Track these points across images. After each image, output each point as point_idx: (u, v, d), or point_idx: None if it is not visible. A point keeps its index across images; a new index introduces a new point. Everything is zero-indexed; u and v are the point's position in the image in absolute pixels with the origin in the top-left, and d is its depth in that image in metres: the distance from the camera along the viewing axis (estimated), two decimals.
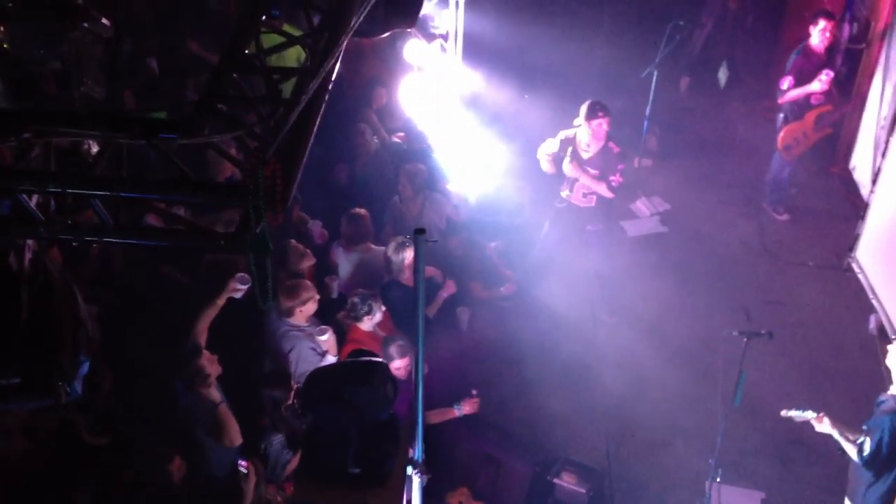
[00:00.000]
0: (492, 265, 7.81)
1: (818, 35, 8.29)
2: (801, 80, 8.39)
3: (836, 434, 5.49)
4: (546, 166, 7.57)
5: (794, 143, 8.67)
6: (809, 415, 5.53)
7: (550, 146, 7.50)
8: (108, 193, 2.92)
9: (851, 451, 5.44)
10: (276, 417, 5.80)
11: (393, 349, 5.95)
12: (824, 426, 5.50)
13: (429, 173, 7.77)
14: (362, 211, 7.26)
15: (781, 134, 8.68)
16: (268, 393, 5.79)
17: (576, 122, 7.40)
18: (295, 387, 5.83)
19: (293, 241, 6.87)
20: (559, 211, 7.76)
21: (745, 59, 10.64)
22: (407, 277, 6.70)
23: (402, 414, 5.02)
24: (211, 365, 5.51)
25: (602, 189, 7.42)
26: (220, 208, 6.21)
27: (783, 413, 5.66)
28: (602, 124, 7.21)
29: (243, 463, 5.24)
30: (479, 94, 8.51)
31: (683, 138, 10.11)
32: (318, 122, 3.20)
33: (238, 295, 5.82)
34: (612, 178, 7.41)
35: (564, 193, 7.60)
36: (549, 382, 7.28)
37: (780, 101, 8.60)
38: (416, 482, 4.69)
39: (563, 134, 7.49)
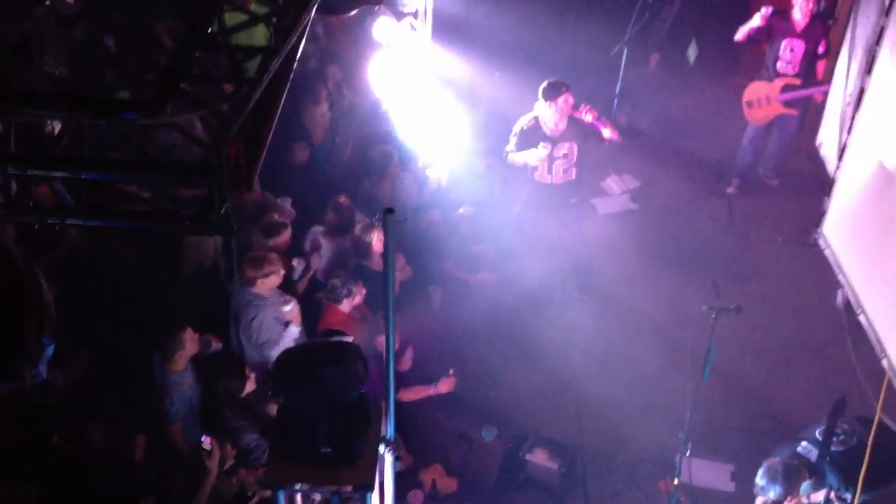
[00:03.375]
0: (464, 242, 7.80)
1: (800, 8, 8.22)
2: (766, 35, 8.40)
3: None
4: (524, 159, 7.52)
5: (755, 102, 8.67)
6: None
7: (513, 144, 7.47)
8: (68, 174, 2.88)
9: None
10: (234, 408, 5.78)
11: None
12: None
13: (398, 154, 7.75)
14: (346, 200, 7.28)
15: (748, 87, 8.73)
16: (223, 384, 5.77)
17: (536, 106, 7.39)
18: (250, 375, 5.83)
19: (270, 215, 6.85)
20: (533, 191, 7.74)
21: (713, 36, 10.64)
22: (375, 262, 6.70)
23: (375, 392, 5.04)
24: (192, 342, 5.51)
25: (606, 135, 7.53)
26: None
27: None
28: (567, 99, 7.25)
29: (206, 439, 5.20)
30: (449, 73, 8.46)
31: (653, 115, 10.12)
32: (282, 101, 3.17)
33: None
34: (602, 135, 7.51)
35: (545, 179, 7.58)
36: (520, 359, 7.33)
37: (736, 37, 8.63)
38: (389, 460, 4.71)
39: (520, 125, 7.45)
